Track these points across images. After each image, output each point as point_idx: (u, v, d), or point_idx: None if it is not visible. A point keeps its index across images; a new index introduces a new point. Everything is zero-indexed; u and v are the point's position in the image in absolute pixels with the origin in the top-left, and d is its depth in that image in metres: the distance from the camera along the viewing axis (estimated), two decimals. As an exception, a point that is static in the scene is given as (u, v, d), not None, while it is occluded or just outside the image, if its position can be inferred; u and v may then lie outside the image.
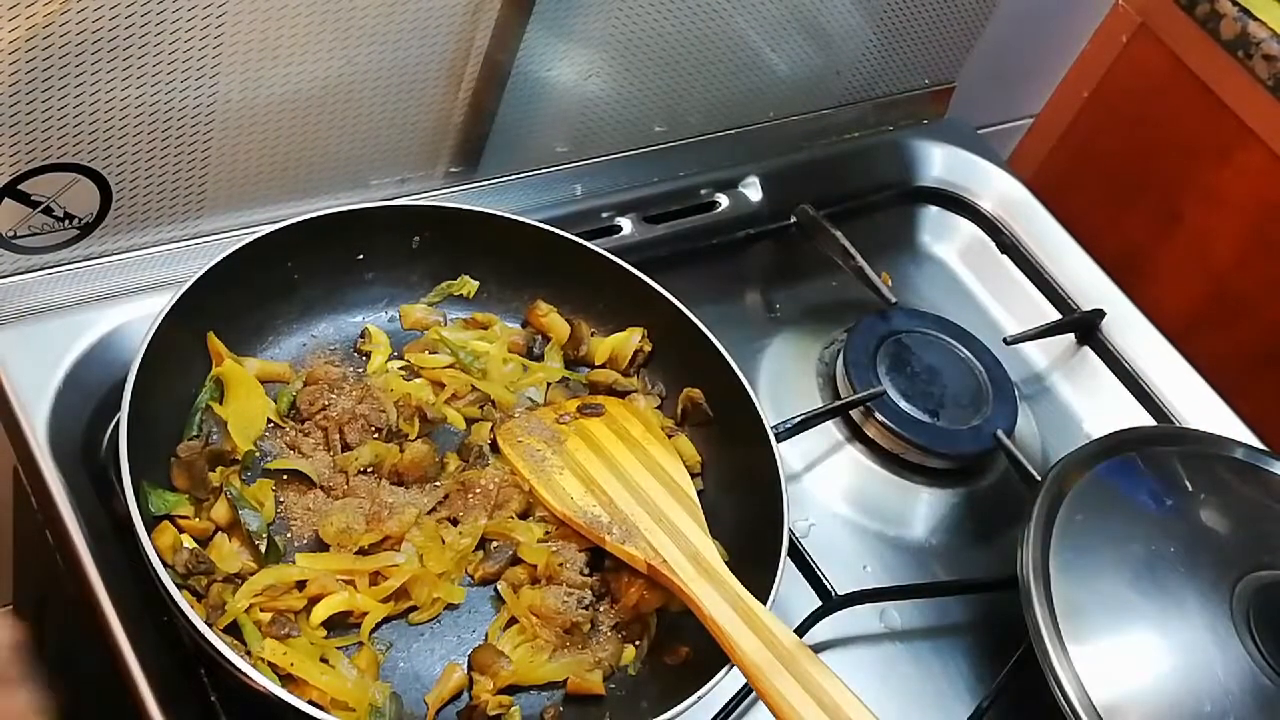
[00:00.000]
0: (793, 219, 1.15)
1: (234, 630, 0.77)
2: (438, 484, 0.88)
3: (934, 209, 1.26)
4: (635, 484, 0.87)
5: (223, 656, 0.71)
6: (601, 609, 0.85)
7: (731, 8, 1.06)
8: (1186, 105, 1.28)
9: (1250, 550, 0.91)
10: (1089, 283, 1.20)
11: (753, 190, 1.17)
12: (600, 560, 0.86)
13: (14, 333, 0.89)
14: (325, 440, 0.88)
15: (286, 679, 0.76)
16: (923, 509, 1.04)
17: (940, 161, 1.27)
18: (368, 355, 0.94)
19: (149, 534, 0.75)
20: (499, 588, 0.85)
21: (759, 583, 0.80)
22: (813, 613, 0.90)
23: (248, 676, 0.71)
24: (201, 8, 0.81)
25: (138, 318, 0.89)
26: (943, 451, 1.04)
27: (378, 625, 0.81)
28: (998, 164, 1.28)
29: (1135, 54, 1.32)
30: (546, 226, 0.96)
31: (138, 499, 0.75)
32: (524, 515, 0.88)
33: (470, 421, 0.92)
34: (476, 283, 0.98)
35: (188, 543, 0.80)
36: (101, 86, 0.82)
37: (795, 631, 0.77)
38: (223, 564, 0.79)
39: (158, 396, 0.82)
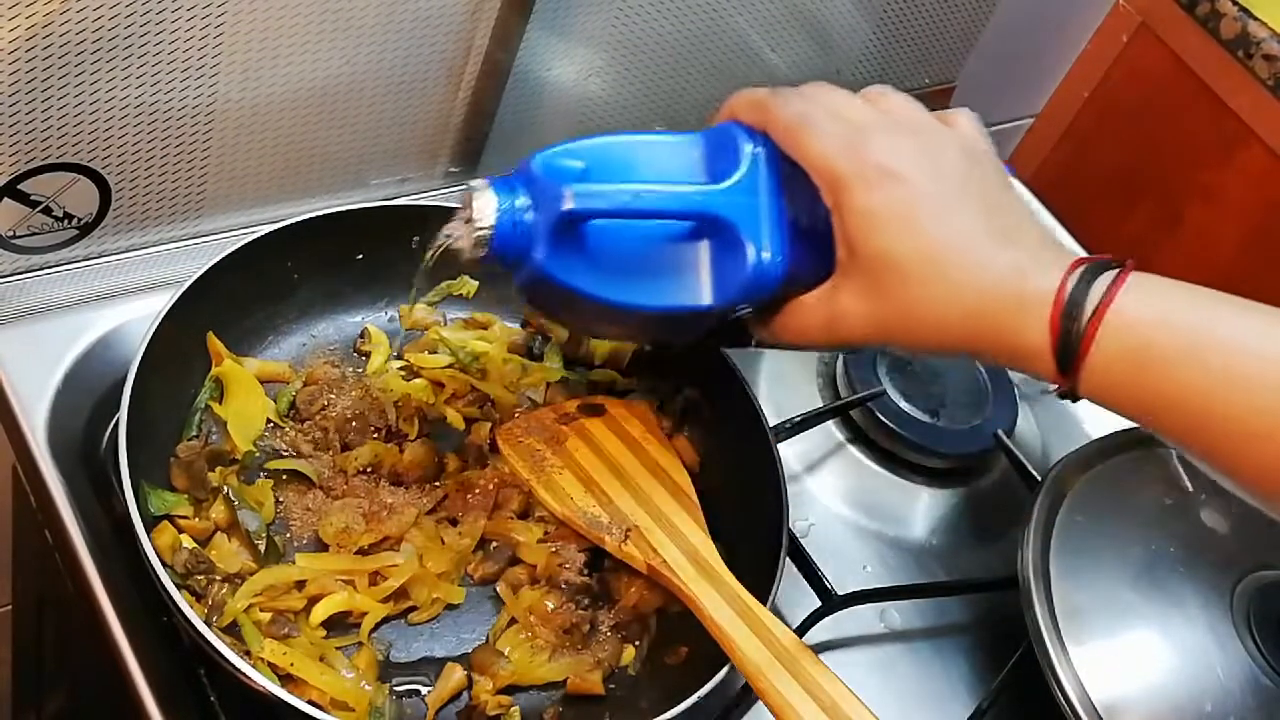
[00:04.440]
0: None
1: (234, 630, 0.77)
2: (437, 484, 0.88)
3: (934, 209, 1.26)
4: (635, 484, 0.87)
5: (223, 656, 0.71)
6: (601, 609, 0.85)
7: (731, 8, 1.06)
8: (1186, 105, 1.28)
9: (1250, 550, 0.91)
10: (1089, 283, 1.19)
11: (753, 190, 1.17)
12: (600, 560, 0.86)
13: (14, 333, 0.89)
14: (325, 440, 0.88)
15: (286, 679, 0.76)
16: (923, 509, 1.04)
17: (940, 161, 1.27)
18: (367, 355, 0.94)
19: (149, 534, 0.75)
20: (499, 588, 0.85)
21: (759, 583, 0.80)
22: (813, 613, 0.90)
23: (247, 676, 0.71)
24: (201, 8, 0.81)
25: (138, 318, 0.89)
26: (943, 451, 1.04)
27: (378, 625, 0.81)
28: (997, 164, 1.28)
29: (1135, 54, 1.32)
30: (546, 226, 0.96)
31: (137, 499, 0.75)
32: (524, 515, 0.88)
33: (470, 421, 0.92)
34: (476, 283, 0.98)
35: (187, 543, 0.80)
36: (101, 86, 0.82)
37: (795, 631, 0.77)
38: (222, 564, 0.80)
39: (157, 396, 0.82)
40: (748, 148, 0.67)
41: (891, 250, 0.62)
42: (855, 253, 0.64)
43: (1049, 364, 0.61)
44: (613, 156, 0.68)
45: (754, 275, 0.66)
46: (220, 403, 0.87)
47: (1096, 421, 1.13)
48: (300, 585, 0.80)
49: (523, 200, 0.66)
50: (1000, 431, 1.04)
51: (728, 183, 0.67)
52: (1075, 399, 0.62)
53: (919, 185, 0.63)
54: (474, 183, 0.67)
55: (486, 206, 0.66)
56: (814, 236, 0.66)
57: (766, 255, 0.66)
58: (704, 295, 0.68)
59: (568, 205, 0.64)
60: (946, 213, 0.63)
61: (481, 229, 0.66)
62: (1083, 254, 0.63)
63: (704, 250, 0.68)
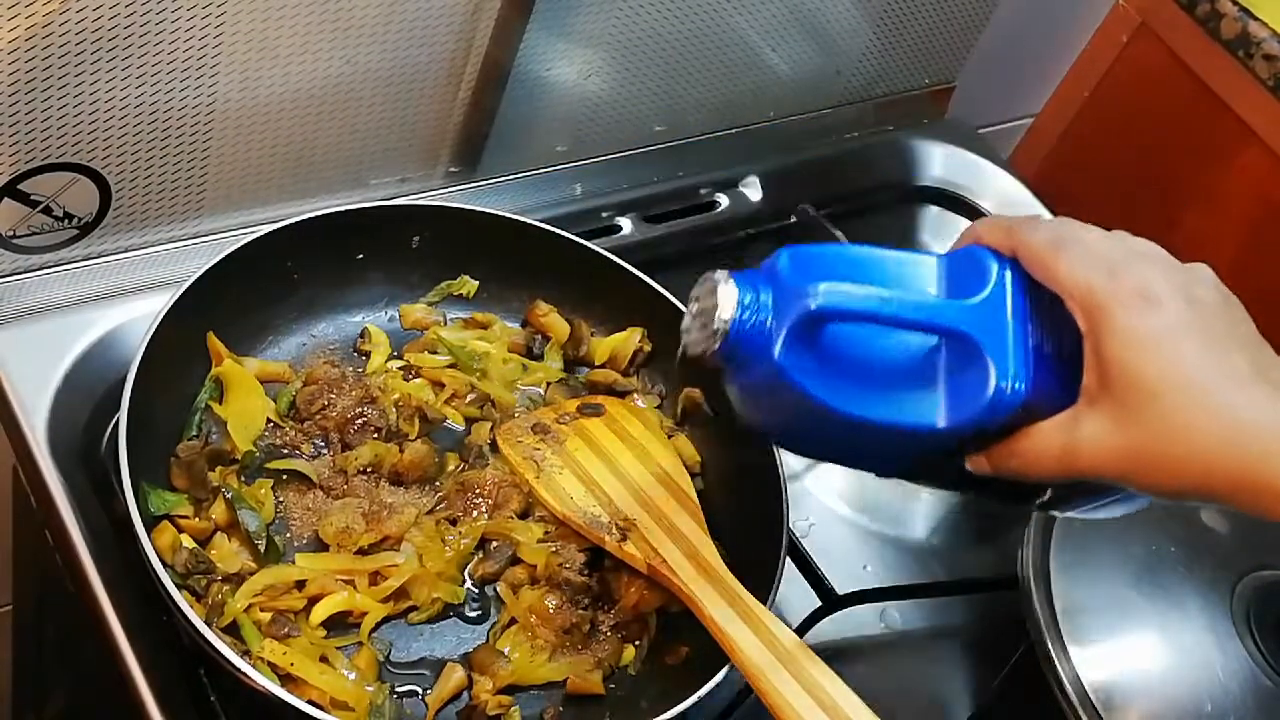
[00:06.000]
0: (793, 219, 1.15)
1: (234, 630, 0.77)
2: (437, 484, 0.88)
3: (934, 209, 1.26)
4: (635, 484, 0.87)
5: (223, 656, 0.71)
6: (601, 609, 0.85)
7: (731, 8, 1.06)
8: (1186, 105, 1.28)
9: (1250, 550, 0.91)
10: (1089, 283, 1.19)
11: (753, 190, 1.17)
12: (600, 560, 0.86)
13: (14, 333, 0.89)
14: (325, 440, 0.88)
15: (286, 679, 0.76)
16: (923, 509, 1.04)
17: (940, 161, 1.27)
18: (367, 355, 0.94)
19: (149, 534, 0.75)
20: (499, 588, 0.85)
21: (759, 583, 0.80)
22: (813, 613, 0.90)
23: (247, 676, 0.71)
24: (201, 8, 0.81)
25: (138, 318, 0.90)
26: (943, 451, 1.03)
27: (377, 625, 0.81)
28: (998, 164, 1.28)
29: (1135, 54, 1.32)
30: (546, 226, 0.96)
31: (137, 499, 0.76)
32: (524, 515, 0.88)
33: (470, 421, 0.92)
34: (476, 283, 0.98)
35: (187, 543, 0.80)
36: (101, 86, 0.82)
37: (795, 631, 0.77)
38: (222, 564, 0.80)
39: (157, 396, 0.82)
40: (994, 268, 0.65)
41: (1154, 374, 0.60)
42: (1110, 378, 0.61)
43: None
44: (854, 265, 0.66)
45: (994, 398, 0.63)
46: (220, 403, 0.87)
47: (1096, 421, 1.13)
48: (300, 585, 0.80)
49: (765, 296, 0.64)
50: (1000, 431, 1.04)
51: (975, 299, 0.64)
52: None
53: (1180, 313, 0.61)
54: (715, 274, 0.65)
55: (728, 298, 0.64)
56: (1057, 364, 0.64)
57: (1010, 377, 0.63)
58: (938, 415, 0.65)
59: (815, 303, 0.62)
60: (1208, 343, 0.61)
61: (722, 323, 0.64)
62: None
63: (942, 368, 0.65)
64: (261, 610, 0.79)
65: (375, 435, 0.88)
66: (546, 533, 0.87)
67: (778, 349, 0.64)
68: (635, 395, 0.95)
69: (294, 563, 0.81)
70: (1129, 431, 0.61)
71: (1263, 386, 0.59)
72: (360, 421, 0.88)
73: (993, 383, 0.63)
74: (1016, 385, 0.63)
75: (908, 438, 0.66)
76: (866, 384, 0.65)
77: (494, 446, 0.90)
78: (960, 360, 0.64)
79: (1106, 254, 0.63)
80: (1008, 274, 0.65)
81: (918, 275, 0.67)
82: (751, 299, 0.64)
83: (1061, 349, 0.64)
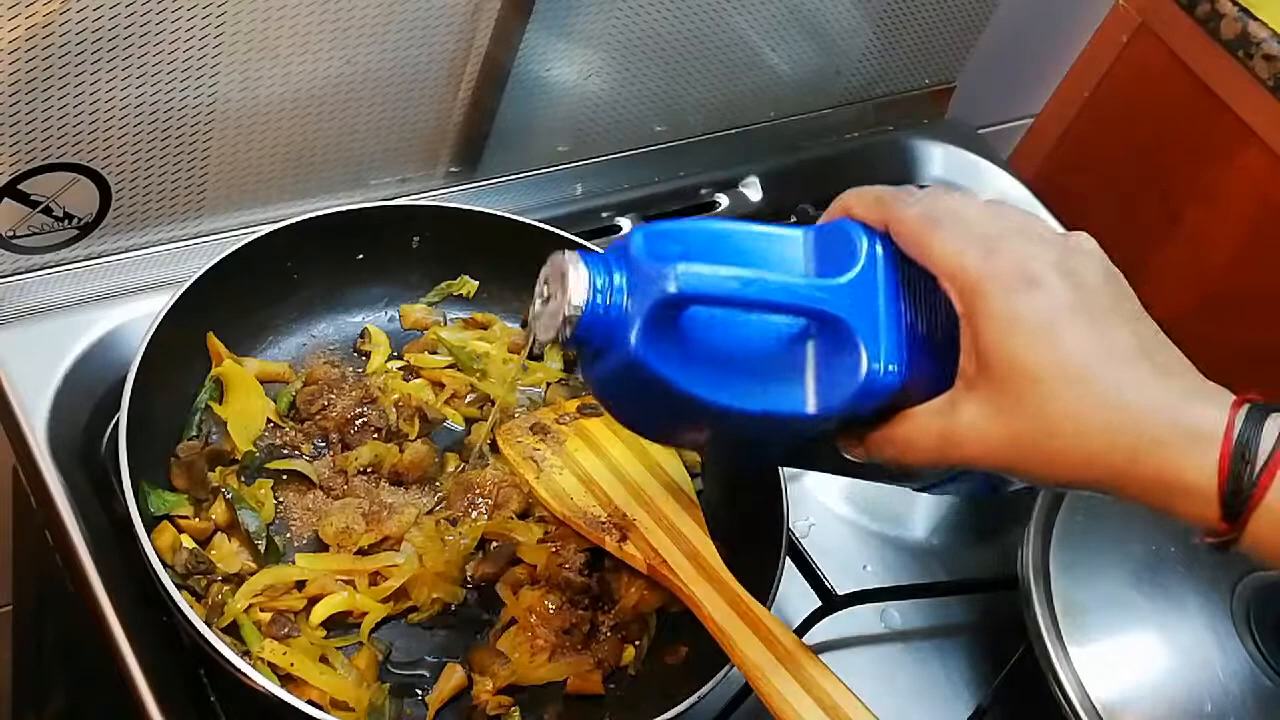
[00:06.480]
0: (793, 219, 1.15)
1: (234, 630, 0.77)
2: (437, 484, 0.88)
3: (934, 209, 1.26)
4: (635, 484, 0.87)
5: (222, 656, 0.71)
6: (601, 609, 0.85)
7: (731, 8, 1.06)
8: (1186, 105, 1.28)
9: (1250, 550, 0.91)
10: (1089, 283, 1.19)
11: (753, 190, 1.17)
12: (600, 560, 0.86)
13: (14, 333, 0.89)
14: (325, 440, 0.88)
15: (286, 679, 0.76)
16: (923, 509, 1.03)
17: (940, 161, 1.27)
18: (367, 355, 0.94)
19: (149, 534, 0.75)
20: (499, 588, 0.85)
21: (759, 583, 0.80)
22: (813, 613, 0.90)
23: (247, 676, 0.71)
24: (201, 8, 0.81)
25: (138, 318, 0.90)
26: (943, 451, 1.03)
27: (378, 625, 0.81)
28: (998, 164, 1.28)
29: (1135, 54, 1.32)
30: (546, 226, 0.96)
31: (137, 499, 0.76)
32: (524, 515, 0.88)
33: (470, 421, 0.92)
34: (476, 283, 0.98)
35: (187, 543, 0.80)
36: (101, 86, 0.82)
37: (795, 631, 0.77)
38: (222, 564, 0.80)
39: (157, 396, 0.82)
40: (864, 244, 0.62)
41: (1033, 360, 0.56)
42: (988, 363, 0.57)
43: (1211, 507, 0.54)
44: (714, 242, 0.62)
45: (866, 383, 0.60)
46: (220, 403, 0.87)
47: (1096, 421, 1.13)
48: (300, 585, 0.80)
49: (620, 279, 0.60)
50: (1000, 431, 1.04)
51: (844, 278, 0.61)
52: (1227, 548, 0.55)
53: (1061, 292, 0.57)
54: (565, 255, 0.61)
55: (578, 282, 0.59)
56: (933, 346, 0.61)
57: (881, 361, 0.60)
58: (807, 401, 0.61)
59: (671, 288, 0.58)
60: (1091, 322, 0.57)
61: (572, 309, 0.59)
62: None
63: (810, 352, 0.62)
64: (261, 610, 0.79)
65: (375, 435, 0.88)
66: (546, 533, 0.87)
67: (634, 336, 0.59)
68: (635, 395, 0.95)
69: (294, 563, 0.82)
70: (1007, 420, 0.57)
71: (1145, 365, 0.57)
72: (360, 422, 0.88)
73: (864, 367, 0.60)
74: (890, 368, 0.60)
75: (778, 426, 0.63)
76: (731, 370, 0.62)
77: (494, 446, 0.90)
78: (830, 343, 0.61)
79: (983, 230, 0.60)
80: (879, 249, 0.62)
81: (784, 252, 0.63)
82: (604, 283, 0.60)
83: (938, 329, 0.61)
